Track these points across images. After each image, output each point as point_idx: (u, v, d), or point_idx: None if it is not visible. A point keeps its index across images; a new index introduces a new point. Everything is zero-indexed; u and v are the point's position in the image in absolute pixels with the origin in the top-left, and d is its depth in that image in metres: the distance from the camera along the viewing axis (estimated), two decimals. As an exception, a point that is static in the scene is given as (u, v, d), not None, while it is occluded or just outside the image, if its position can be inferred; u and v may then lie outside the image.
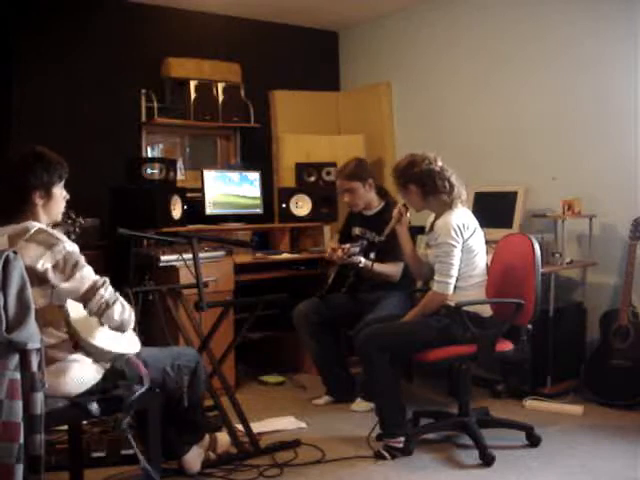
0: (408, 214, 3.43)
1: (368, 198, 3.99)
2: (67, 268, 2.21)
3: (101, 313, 2.24)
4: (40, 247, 2.21)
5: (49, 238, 2.25)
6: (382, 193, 4.06)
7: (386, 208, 3.98)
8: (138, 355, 2.41)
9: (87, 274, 2.26)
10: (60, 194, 2.42)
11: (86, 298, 2.24)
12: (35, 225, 2.28)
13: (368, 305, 3.78)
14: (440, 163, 3.25)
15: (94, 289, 2.24)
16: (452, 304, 3.07)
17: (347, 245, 3.80)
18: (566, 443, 3.21)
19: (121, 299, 2.31)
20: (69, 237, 2.85)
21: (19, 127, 4.25)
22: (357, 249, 3.74)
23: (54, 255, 2.21)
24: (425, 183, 3.21)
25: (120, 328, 2.29)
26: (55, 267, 2.20)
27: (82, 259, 2.28)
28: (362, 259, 3.75)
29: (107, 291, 2.26)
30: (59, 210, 2.44)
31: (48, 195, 2.36)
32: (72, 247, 2.27)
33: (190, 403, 2.62)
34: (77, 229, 2.84)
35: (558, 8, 4.21)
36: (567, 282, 4.17)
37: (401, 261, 3.81)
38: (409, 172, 3.24)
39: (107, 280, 2.30)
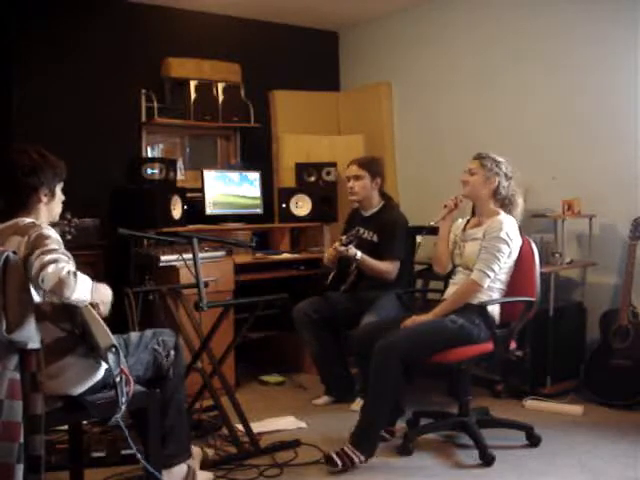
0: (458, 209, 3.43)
1: (370, 194, 3.98)
2: (33, 247, 2.11)
3: (37, 274, 2.03)
4: (20, 236, 2.18)
5: (30, 225, 2.22)
6: (385, 196, 4.07)
7: (383, 209, 3.99)
8: (128, 341, 2.47)
9: (42, 248, 2.09)
10: (60, 195, 2.46)
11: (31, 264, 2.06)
12: (25, 220, 2.27)
13: (367, 304, 3.78)
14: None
15: (39, 255, 2.07)
16: (476, 303, 3.08)
17: (343, 237, 3.79)
18: (566, 443, 3.22)
19: (66, 266, 2.05)
20: (64, 237, 2.85)
21: (19, 127, 4.25)
22: (351, 237, 3.71)
23: (29, 239, 2.15)
24: (505, 186, 3.24)
25: (59, 290, 2.03)
26: (28, 254, 2.10)
27: (53, 242, 2.14)
28: (358, 252, 3.74)
29: (48, 256, 2.05)
30: (58, 210, 2.48)
31: (52, 194, 2.40)
32: (49, 232, 2.20)
33: (177, 385, 2.64)
34: (72, 229, 2.85)
35: (558, 9, 4.20)
36: (567, 282, 4.17)
37: (397, 260, 3.82)
38: (502, 168, 3.25)
39: (59, 252, 2.10)
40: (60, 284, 2.02)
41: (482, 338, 3.06)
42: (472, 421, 3.15)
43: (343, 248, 3.71)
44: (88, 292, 2.12)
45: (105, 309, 2.31)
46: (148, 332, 2.61)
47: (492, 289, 3.16)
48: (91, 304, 2.20)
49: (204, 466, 2.89)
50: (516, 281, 3.21)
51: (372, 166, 3.98)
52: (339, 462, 2.91)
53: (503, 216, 3.20)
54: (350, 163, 4.08)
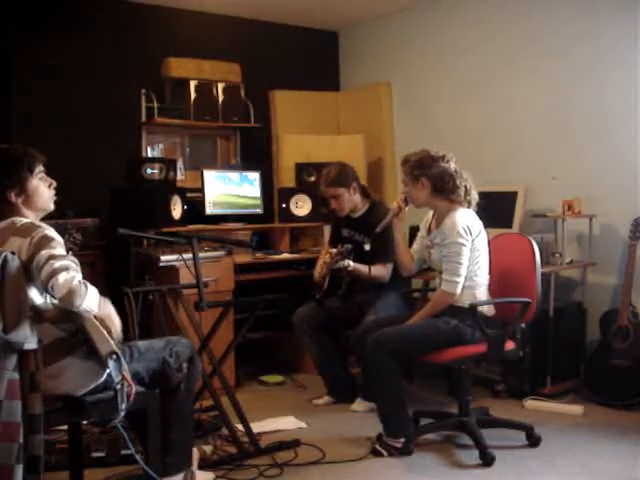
0: (407, 209, 3.38)
1: (353, 201, 3.97)
2: (38, 248, 2.10)
3: (47, 280, 2.04)
4: (21, 238, 2.15)
5: (30, 227, 2.19)
6: (366, 194, 4.05)
7: (372, 208, 3.98)
8: (133, 348, 2.42)
9: (49, 251, 2.08)
10: (38, 185, 2.32)
11: (39, 269, 2.06)
12: (22, 220, 2.24)
13: (365, 306, 3.78)
14: (454, 164, 3.22)
15: (48, 260, 2.06)
16: (466, 305, 3.06)
17: (333, 250, 3.76)
18: (566, 443, 3.22)
19: (76, 275, 2.08)
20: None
21: (19, 127, 4.25)
22: (341, 255, 3.68)
23: (31, 241, 2.12)
24: (439, 181, 3.18)
25: (69, 299, 2.05)
26: (32, 255, 2.08)
27: (57, 244, 2.14)
28: (350, 262, 3.71)
29: (58, 262, 2.05)
30: (44, 199, 2.35)
31: (24, 191, 2.29)
32: (52, 233, 2.17)
33: (186, 398, 2.58)
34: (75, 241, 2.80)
35: (558, 8, 4.21)
36: (567, 282, 4.16)
37: (390, 262, 3.79)
38: (426, 166, 3.19)
39: (68, 258, 2.10)
40: (70, 294, 2.05)
41: (476, 338, 3.05)
42: (472, 421, 3.15)
43: (336, 265, 3.69)
44: (96, 303, 2.14)
45: (116, 328, 2.28)
46: (160, 342, 2.53)
47: (473, 287, 3.13)
48: (96, 317, 2.18)
49: (203, 465, 2.89)
50: (516, 281, 3.21)
51: (342, 179, 3.92)
52: (385, 452, 3.10)
53: (454, 214, 3.13)
54: (322, 184, 4.03)
